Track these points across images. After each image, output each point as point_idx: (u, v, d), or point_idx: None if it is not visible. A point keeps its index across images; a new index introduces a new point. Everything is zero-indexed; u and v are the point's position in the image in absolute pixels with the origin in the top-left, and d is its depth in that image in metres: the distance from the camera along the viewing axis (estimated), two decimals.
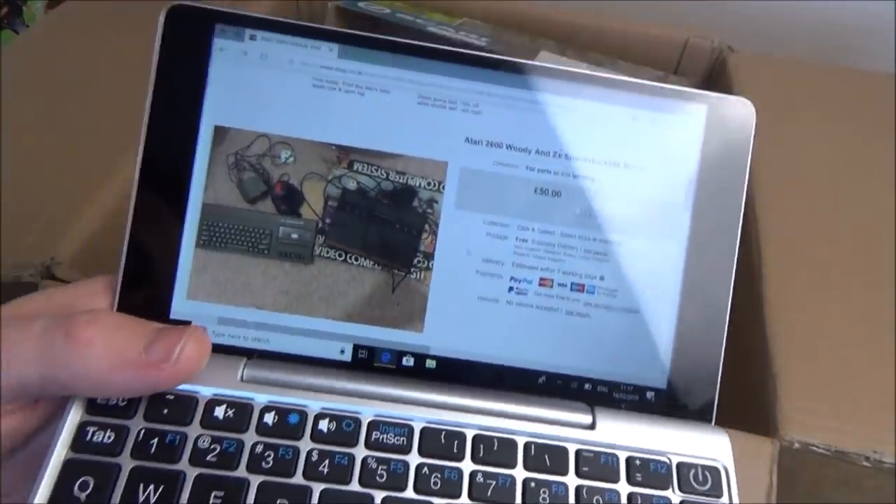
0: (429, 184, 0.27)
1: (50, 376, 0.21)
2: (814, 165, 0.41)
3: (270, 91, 0.27)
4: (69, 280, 0.32)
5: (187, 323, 0.26)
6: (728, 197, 0.28)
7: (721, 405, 0.32)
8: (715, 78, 0.52)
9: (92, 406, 0.23)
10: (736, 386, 0.32)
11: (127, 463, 0.23)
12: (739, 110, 0.28)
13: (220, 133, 0.26)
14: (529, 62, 0.27)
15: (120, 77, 0.42)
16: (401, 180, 0.27)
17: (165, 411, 0.24)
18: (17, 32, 0.70)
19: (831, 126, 0.44)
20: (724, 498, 0.25)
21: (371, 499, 0.23)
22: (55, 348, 0.21)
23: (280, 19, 0.27)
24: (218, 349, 0.25)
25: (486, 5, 0.53)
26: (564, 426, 0.26)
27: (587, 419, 0.26)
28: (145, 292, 0.26)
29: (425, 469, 0.24)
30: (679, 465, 0.25)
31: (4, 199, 0.35)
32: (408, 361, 0.27)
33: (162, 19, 0.26)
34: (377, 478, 0.24)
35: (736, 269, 0.28)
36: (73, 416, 0.23)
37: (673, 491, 0.25)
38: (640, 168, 0.28)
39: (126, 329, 0.23)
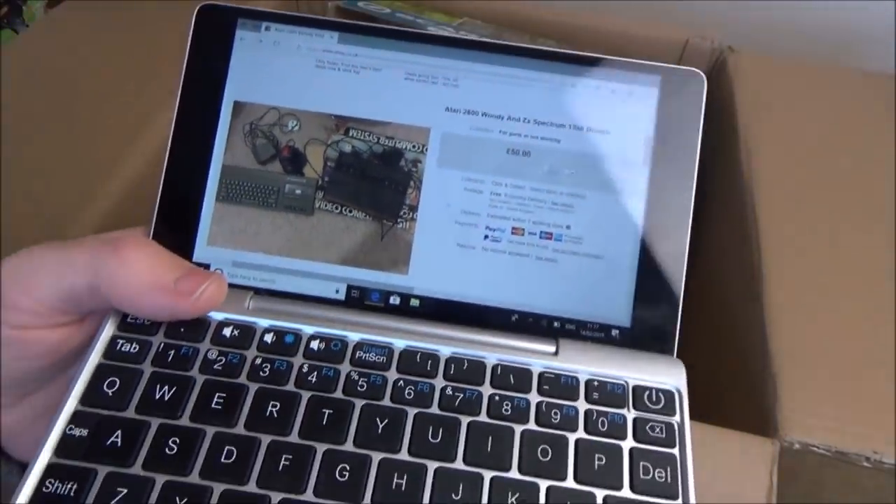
0: (414, 146, 0.31)
1: (95, 286, 0.26)
2: (814, 166, 0.41)
3: (281, 72, 0.32)
4: None
5: (207, 266, 0.30)
6: (683, 154, 0.31)
7: (721, 405, 0.33)
8: (715, 78, 0.52)
9: (123, 323, 0.28)
10: (736, 386, 0.34)
11: (147, 369, 0.27)
12: (691, 79, 0.31)
13: (238, 107, 0.31)
14: (500, 41, 0.32)
15: (120, 77, 0.44)
16: (389, 144, 0.31)
17: (182, 330, 0.28)
18: (17, 32, 0.69)
19: (831, 126, 0.44)
20: (677, 416, 0.27)
21: (352, 405, 0.27)
22: (102, 261, 0.26)
23: (291, 13, 0.32)
24: (231, 287, 0.29)
25: (486, 5, 0.52)
26: (530, 354, 0.29)
27: (551, 348, 0.29)
28: (173, 238, 0.30)
29: (401, 382, 0.27)
30: (635, 388, 0.28)
31: (4, 198, 0.35)
32: (394, 300, 0.30)
33: (194, 15, 0.32)
34: (358, 388, 0.27)
35: (692, 221, 0.31)
36: (108, 331, 0.28)
37: (628, 409, 0.27)
38: (602, 131, 0.31)
39: (164, 258, 0.28)
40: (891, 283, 0.34)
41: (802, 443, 0.28)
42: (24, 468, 0.29)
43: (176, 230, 0.31)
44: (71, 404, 0.26)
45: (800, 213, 0.38)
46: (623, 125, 0.31)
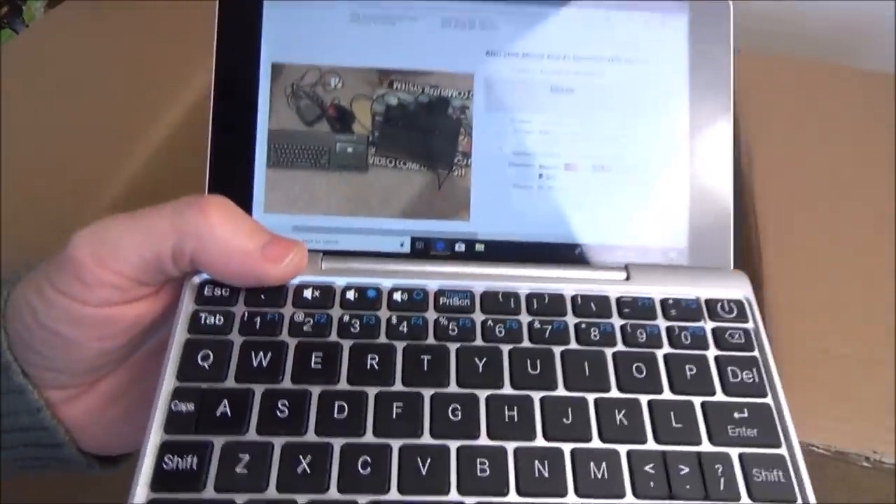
0: (459, 93, 0.31)
1: (180, 250, 0.25)
2: (814, 165, 0.42)
3: (316, 27, 0.31)
4: None
5: None
6: (717, 78, 0.32)
7: None
8: None
9: (201, 297, 0.27)
10: None
11: (237, 339, 0.26)
12: (717, 6, 0.32)
13: (277, 69, 0.31)
14: None
15: (120, 77, 0.44)
16: (435, 93, 0.31)
17: (262, 297, 0.27)
18: (17, 32, 0.69)
19: (831, 126, 0.45)
20: (751, 323, 0.29)
21: (446, 350, 0.27)
22: (188, 221, 0.25)
23: None
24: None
25: None
26: (603, 282, 0.30)
27: (622, 275, 0.30)
28: None
29: (489, 322, 0.28)
30: (707, 301, 0.29)
31: (4, 198, 0.35)
32: (459, 247, 0.31)
33: None
34: (450, 332, 0.27)
35: (733, 141, 0.32)
36: (187, 306, 0.27)
37: (705, 321, 0.29)
38: (640, 61, 0.32)
39: (249, 222, 0.27)
40: (891, 283, 0.35)
41: (802, 443, 0.27)
42: (100, 461, 0.29)
43: (231, 200, 0.30)
44: (169, 382, 0.25)
45: (800, 213, 0.38)
46: (659, 54, 0.32)
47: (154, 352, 0.28)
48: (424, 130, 0.31)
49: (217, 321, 0.27)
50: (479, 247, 0.31)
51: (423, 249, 0.31)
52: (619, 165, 0.31)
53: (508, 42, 0.32)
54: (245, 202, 0.30)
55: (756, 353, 0.28)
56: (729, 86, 0.32)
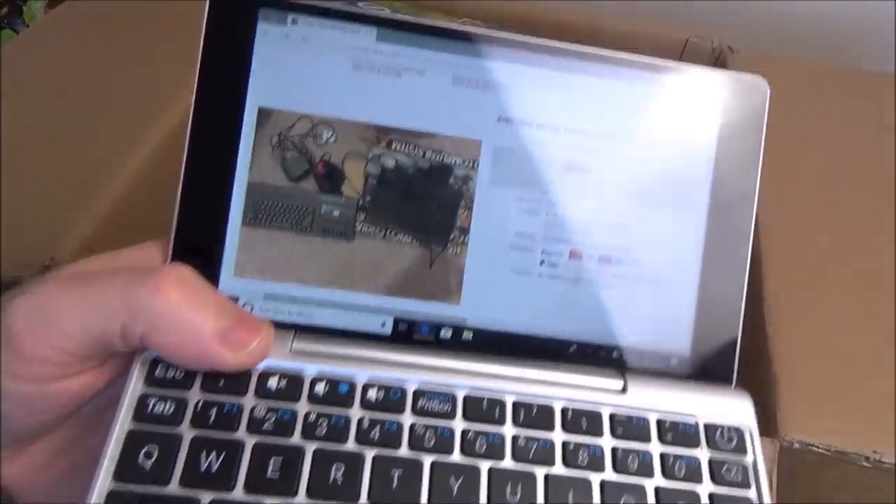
0: (464, 161, 0.28)
1: (130, 329, 0.22)
2: (814, 165, 0.41)
3: (312, 73, 0.27)
4: None
5: (236, 300, 0.27)
6: (744, 171, 0.29)
7: None
8: None
9: (152, 377, 0.24)
10: (738, 378, 0.33)
11: (188, 432, 0.24)
12: (754, 87, 0.29)
13: (263, 114, 0.27)
14: (558, 43, 0.28)
15: (120, 77, 0.43)
16: (437, 158, 0.28)
17: (221, 383, 0.25)
18: (17, 32, 0.70)
19: (831, 126, 0.45)
20: (750, 456, 0.27)
21: (420, 465, 0.24)
22: (141, 298, 0.22)
23: (321, 4, 0.28)
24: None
25: (486, 5, 0.52)
26: (598, 391, 0.27)
27: (619, 384, 0.28)
28: (194, 270, 0.26)
29: (470, 433, 0.25)
30: (707, 426, 0.27)
31: (4, 199, 0.35)
32: (446, 333, 0.28)
33: (207, 4, 0.27)
34: (426, 443, 0.25)
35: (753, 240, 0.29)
36: (135, 387, 0.24)
37: (702, 449, 0.26)
38: (662, 144, 0.29)
39: (210, 299, 0.24)
40: (891, 284, 0.34)
41: (802, 443, 0.28)
42: None
43: (197, 260, 0.27)
44: (104, 482, 0.22)
45: (800, 213, 0.38)
46: (684, 137, 0.29)
47: (100, 409, 0.25)
48: (421, 199, 0.28)
49: (167, 409, 0.24)
50: (467, 334, 0.28)
51: (406, 332, 0.28)
52: (627, 259, 0.29)
53: (523, 109, 0.28)
54: (214, 263, 0.27)
55: (752, 492, 0.26)
56: (756, 181, 0.29)
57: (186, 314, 0.23)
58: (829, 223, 0.38)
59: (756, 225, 0.36)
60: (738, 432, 0.27)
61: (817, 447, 0.28)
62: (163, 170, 0.39)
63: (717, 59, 0.52)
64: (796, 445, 0.28)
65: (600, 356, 0.29)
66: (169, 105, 0.41)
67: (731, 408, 0.28)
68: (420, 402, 0.26)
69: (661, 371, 0.29)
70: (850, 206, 0.39)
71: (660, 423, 0.27)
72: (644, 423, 0.27)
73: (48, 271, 0.32)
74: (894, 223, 0.38)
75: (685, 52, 0.52)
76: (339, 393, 0.25)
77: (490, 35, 0.28)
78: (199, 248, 0.27)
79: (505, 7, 0.52)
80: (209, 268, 0.27)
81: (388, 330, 0.28)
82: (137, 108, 0.41)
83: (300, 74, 0.27)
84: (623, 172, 0.29)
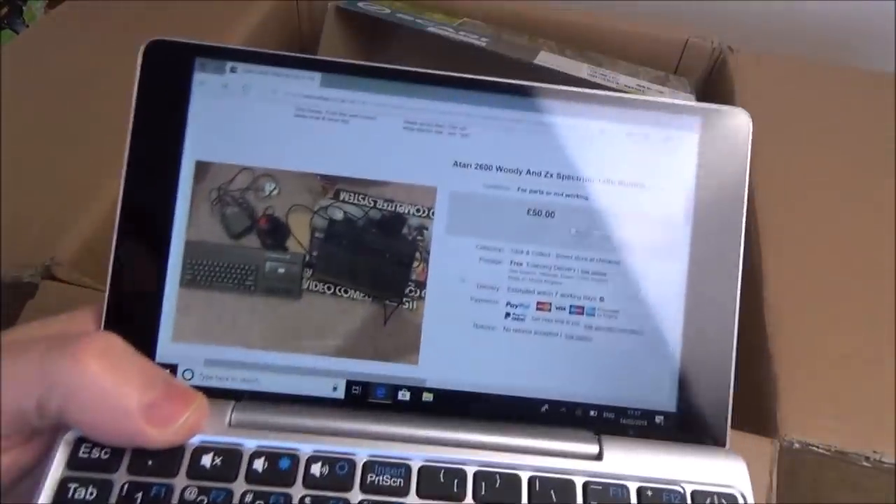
0: (418, 210, 0.26)
1: (46, 400, 0.21)
2: (814, 165, 0.41)
3: (253, 123, 0.26)
4: (69, 280, 0.32)
5: (174, 367, 0.25)
6: (729, 209, 0.27)
7: None
8: (715, 78, 0.52)
9: (74, 460, 0.22)
10: (736, 386, 0.32)
11: None
12: (735, 121, 0.27)
13: (201, 168, 0.26)
14: (515, 82, 0.27)
15: (119, 77, 0.42)
16: (389, 208, 0.26)
17: (150, 462, 0.23)
18: (17, 32, 0.70)
19: (831, 126, 0.44)
20: None
21: None
22: (57, 373, 0.21)
23: (261, 51, 0.26)
24: (206, 392, 0.24)
25: (486, 5, 0.52)
26: (570, 458, 0.25)
27: (593, 449, 0.25)
28: (129, 336, 0.24)
29: None
30: (694, 494, 0.24)
31: (4, 199, 0.35)
32: (403, 396, 0.26)
33: (140, 54, 0.25)
34: None
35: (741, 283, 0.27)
36: (55, 472, 0.22)
37: None
38: (636, 185, 0.27)
39: (134, 370, 0.22)
40: (891, 283, 0.34)
41: (802, 443, 0.28)
42: None
43: (132, 325, 0.25)
44: None
45: (800, 213, 0.37)
46: (660, 177, 0.27)
47: (29, 491, 0.23)
48: (373, 252, 0.26)
49: (89, 495, 0.22)
50: (427, 396, 0.26)
51: (360, 395, 0.26)
52: (601, 308, 0.26)
53: (481, 152, 0.26)
54: (150, 328, 0.25)
55: None
56: (741, 219, 0.27)
57: (107, 387, 0.21)
58: (829, 223, 0.37)
59: (755, 226, 0.36)
60: (731, 499, 0.24)
61: (817, 447, 0.28)
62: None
63: (717, 59, 0.52)
64: (796, 445, 0.28)
65: (575, 416, 0.26)
66: None
67: (722, 471, 0.25)
68: (369, 477, 0.23)
69: (643, 432, 0.26)
70: (850, 205, 0.39)
71: (640, 492, 0.24)
72: (623, 493, 0.24)
73: (48, 271, 0.32)
74: (894, 223, 0.37)
75: (685, 52, 0.52)
76: (279, 470, 0.23)
77: (442, 76, 0.27)
78: (135, 313, 0.25)
79: (505, 7, 0.52)
80: (145, 333, 0.25)
81: (340, 394, 0.26)
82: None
83: (240, 125, 0.26)
84: (593, 216, 0.27)
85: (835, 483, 0.28)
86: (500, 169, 0.27)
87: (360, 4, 0.50)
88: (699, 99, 0.50)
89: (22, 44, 0.48)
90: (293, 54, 0.26)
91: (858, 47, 0.60)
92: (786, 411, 0.29)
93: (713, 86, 0.53)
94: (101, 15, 0.49)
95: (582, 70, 0.48)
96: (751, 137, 0.27)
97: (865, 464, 0.28)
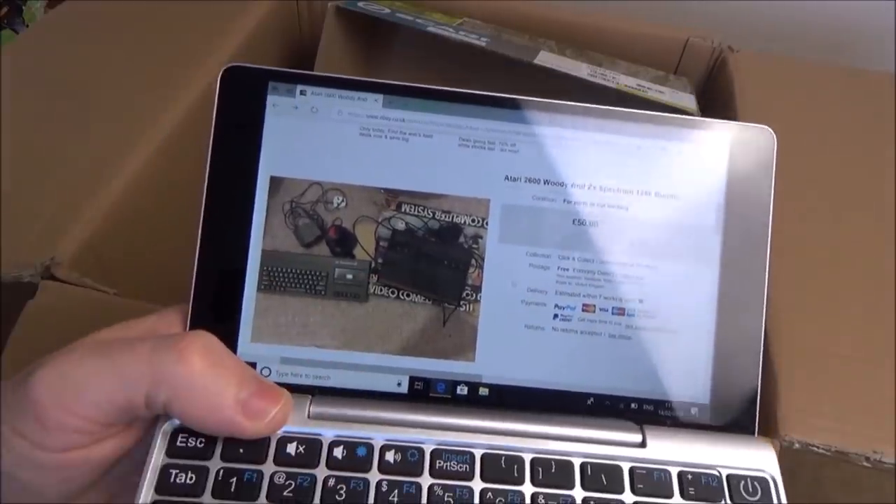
0: (473, 220, 0.29)
1: (154, 394, 0.23)
2: (814, 165, 0.41)
3: (321, 141, 0.28)
4: (69, 280, 0.33)
5: (254, 365, 0.27)
6: (756, 218, 0.29)
7: None
8: (715, 78, 0.52)
9: (173, 447, 0.25)
10: None
11: (209, 502, 0.24)
12: (760, 137, 0.30)
13: (275, 183, 0.28)
14: (561, 102, 0.29)
15: (120, 77, 0.44)
16: (446, 219, 0.29)
17: (241, 451, 0.25)
18: (17, 32, 0.69)
19: (831, 126, 0.44)
20: None
21: None
22: (166, 367, 0.23)
23: (328, 75, 0.29)
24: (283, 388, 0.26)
25: (486, 5, 0.52)
26: (616, 445, 0.27)
27: (637, 437, 0.27)
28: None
29: (489, 494, 0.25)
30: (729, 478, 0.27)
31: (4, 199, 0.35)
32: (462, 390, 0.28)
33: (219, 80, 0.28)
34: None
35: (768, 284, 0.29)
36: (157, 458, 0.24)
37: (725, 502, 0.26)
38: (671, 196, 0.29)
39: (232, 369, 0.24)
40: (891, 283, 0.34)
41: (802, 443, 0.27)
42: None
43: (215, 327, 0.27)
44: None
45: (799, 213, 0.37)
46: (692, 188, 0.29)
47: (128, 472, 0.26)
48: (432, 259, 0.29)
49: (188, 479, 0.24)
50: (483, 391, 0.28)
51: (423, 390, 0.28)
52: (640, 310, 0.29)
53: (529, 167, 0.29)
54: (231, 329, 0.28)
55: None
56: (767, 226, 0.29)
57: (209, 383, 0.24)
58: (829, 223, 0.37)
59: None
60: (763, 482, 0.26)
61: (817, 447, 0.28)
62: (163, 169, 0.40)
63: (717, 59, 0.52)
64: (796, 445, 0.28)
65: (618, 408, 0.28)
66: (168, 106, 0.42)
67: (754, 457, 0.27)
68: (438, 463, 0.26)
69: (681, 422, 0.28)
70: (850, 205, 0.39)
71: (681, 476, 0.26)
72: (665, 476, 0.26)
73: (48, 271, 0.32)
74: (894, 223, 0.37)
75: (685, 52, 0.51)
76: (357, 456, 0.25)
77: (493, 97, 0.29)
78: (217, 315, 0.27)
79: (505, 7, 0.52)
80: (227, 334, 0.27)
81: (404, 389, 0.28)
82: (137, 109, 0.41)
83: (310, 143, 0.28)
84: (632, 225, 0.29)
85: (835, 483, 0.29)
86: (546, 182, 0.29)
87: (360, 4, 0.50)
88: (699, 99, 0.50)
89: (22, 44, 0.48)
90: (358, 78, 0.29)
91: (858, 47, 0.59)
92: (786, 411, 0.29)
93: (713, 86, 0.53)
94: (101, 15, 0.49)
95: (582, 70, 0.48)
96: (775, 153, 0.30)
97: (865, 464, 0.28)
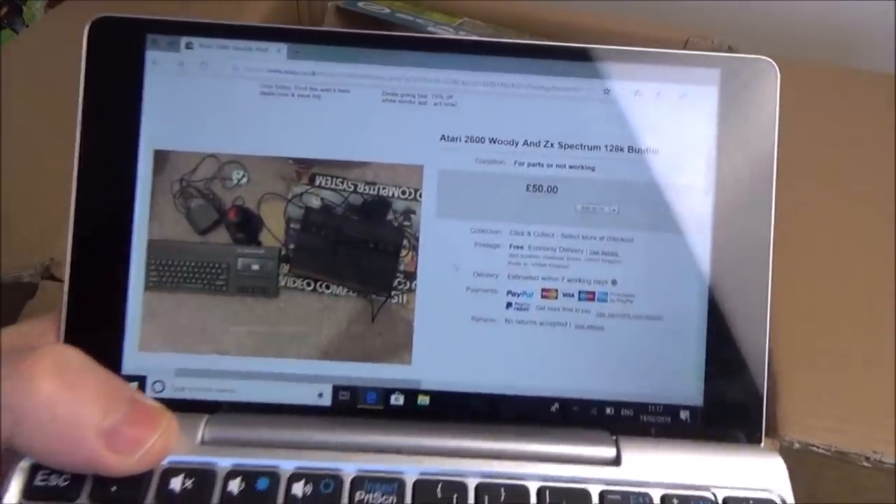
0: (404, 192, 0.23)
1: None
2: (814, 165, 0.40)
3: (214, 104, 0.23)
4: None
5: (142, 380, 0.23)
6: (756, 174, 0.24)
7: None
8: None
9: (29, 489, 0.20)
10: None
11: None
12: (759, 70, 0.24)
13: (160, 158, 0.23)
14: (505, 41, 0.24)
15: None
16: (371, 192, 0.24)
17: (114, 489, 0.20)
18: (17, 32, 0.69)
19: (832, 126, 0.44)
20: None
21: None
22: (4, 390, 0.18)
23: (217, 22, 0.24)
24: (179, 405, 0.22)
25: (486, 5, 0.52)
26: (584, 463, 0.22)
27: (610, 452, 0.22)
28: (92, 347, 0.22)
29: None
30: (726, 501, 0.21)
31: (4, 199, 0.34)
32: (396, 400, 0.23)
33: (85, 36, 0.23)
34: None
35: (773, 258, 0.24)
36: (9, 498, 0.20)
37: None
38: (649, 151, 0.24)
39: (96, 389, 0.20)
40: (891, 283, 0.34)
41: (802, 443, 0.27)
42: None
43: (95, 335, 0.23)
44: None
45: (799, 213, 0.37)
46: (676, 140, 0.24)
47: None
48: (355, 242, 0.24)
49: None
50: (423, 399, 0.23)
51: (349, 402, 0.23)
52: (613, 293, 0.24)
53: (471, 123, 0.24)
54: (114, 337, 0.23)
55: None
56: (771, 183, 0.24)
57: (61, 412, 0.19)
58: (829, 223, 0.37)
59: None
60: None
61: (817, 447, 0.27)
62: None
63: None
64: (796, 445, 0.27)
65: (589, 415, 0.23)
66: None
67: (759, 473, 0.22)
68: (358, 495, 0.21)
69: (666, 430, 0.23)
70: (850, 206, 0.38)
71: (665, 500, 0.21)
72: (645, 501, 0.21)
73: (48, 271, 0.31)
74: (894, 223, 0.37)
75: None
76: (257, 491, 0.21)
77: (422, 38, 0.24)
78: (97, 322, 0.23)
79: (505, 7, 0.52)
80: (109, 343, 0.23)
81: (326, 401, 0.23)
82: None
83: (201, 107, 0.23)
84: (602, 189, 0.24)
85: (835, 483, 0.28)
86: (493, 141, 0.24)
87: (360, 4, 0.49)
88: None
89: (22, 44, 0.49)
90: (253, 24, 0.23)
91: (858, 47, 0.60)
92: (786, 411, 0.28)
93: None
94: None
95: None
96: (778, 90, 0.24)
97: (865, 464, 0.27)
